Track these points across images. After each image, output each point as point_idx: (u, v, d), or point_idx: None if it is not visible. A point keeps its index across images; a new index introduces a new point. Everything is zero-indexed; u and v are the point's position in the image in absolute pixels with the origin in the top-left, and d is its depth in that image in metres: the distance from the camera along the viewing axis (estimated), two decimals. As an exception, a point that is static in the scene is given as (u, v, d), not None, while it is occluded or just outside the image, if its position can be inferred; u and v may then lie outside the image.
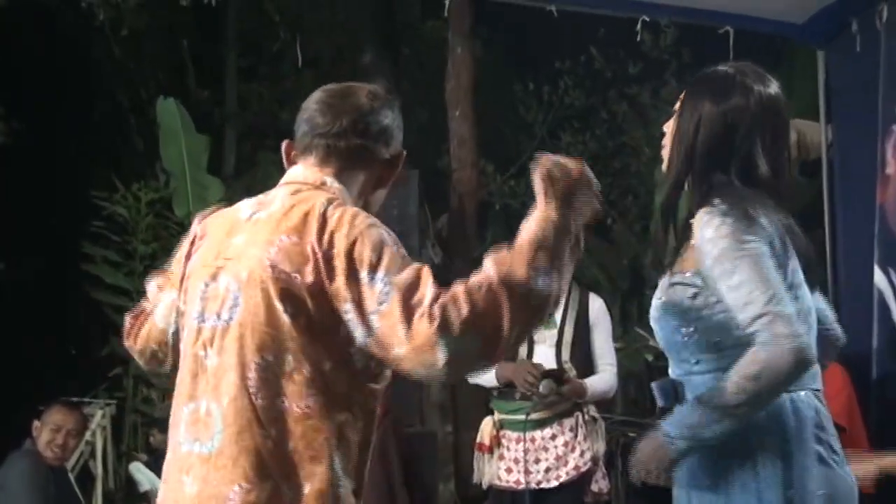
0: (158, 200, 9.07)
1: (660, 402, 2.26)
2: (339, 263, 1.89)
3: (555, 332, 4.25)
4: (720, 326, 2.12)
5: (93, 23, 9.25)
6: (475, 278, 1.85)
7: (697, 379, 2.16)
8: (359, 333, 1.88)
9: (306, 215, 1.95)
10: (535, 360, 4.21)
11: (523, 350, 4.24)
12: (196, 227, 2.19)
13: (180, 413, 2.00)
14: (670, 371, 2.26)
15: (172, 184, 9.05)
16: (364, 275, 1.88)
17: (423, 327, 1.80)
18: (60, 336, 9.15)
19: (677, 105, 2.30)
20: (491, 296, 1.82)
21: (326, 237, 1.91)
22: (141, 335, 2.27)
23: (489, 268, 1.86)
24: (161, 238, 9.09)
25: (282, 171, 2.17)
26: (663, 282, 2.21)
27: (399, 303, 1.83)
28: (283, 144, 2.20)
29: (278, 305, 1.92)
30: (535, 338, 4.26)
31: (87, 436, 6.95)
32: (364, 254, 1.89)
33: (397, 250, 1.92)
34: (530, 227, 1.90)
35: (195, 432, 1.96)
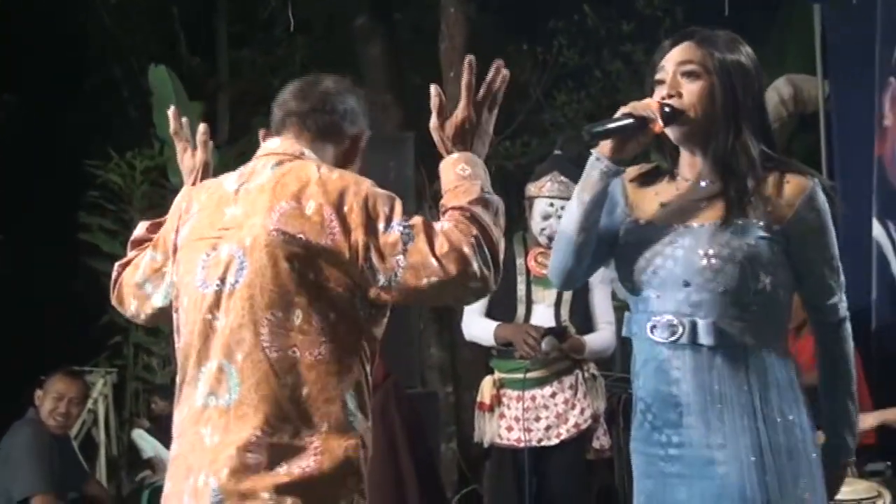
0: (153, 168, 9.03)
1: (672, 338, 2.26)
2: (356, 218, 2.11)
3: (553, 291, 4.26)
4: (784, 283, 2.27)
5: (82, -8, 9.20)
6: (451, 215, 2.18)
7: (742, 325, 2.23)
8: (382, 277, 2.11)
9: (301, 181, 2.16)
10: (534, 319, 4.23)
11: (522, 310, 4.25)
12: (181, 201, 2.38)
13: (196, 373, 2.18)
14: (692, 310, 2.24)
15: (167, 151, 9.01)
16: (381, 225, 2.11)
17: (451, 251, 2.09)
18: (59, 305, 9.15)
19: (692, 59, 2.28)
20: (476, 218, 2.16)
21: (335, 197, 2.12)
22: (126, 295, 2.49)
23: (452, 205, 2.20)
24: (157, 205, 9.04)
25: None
26: (741, 227, 2.22)
27: (424, 239, 2.10)
28: (261, 133, 2.47)
29: (285, 265, 2.11)
30: (534, 297, 4.27)
31: (90, 404, 6.97)
32: (378, 207, 2.13)
33: (399, 201, 2.17)
34: (448, 167, 2.29)
35: (210, 388, 2.14)
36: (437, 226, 2.16)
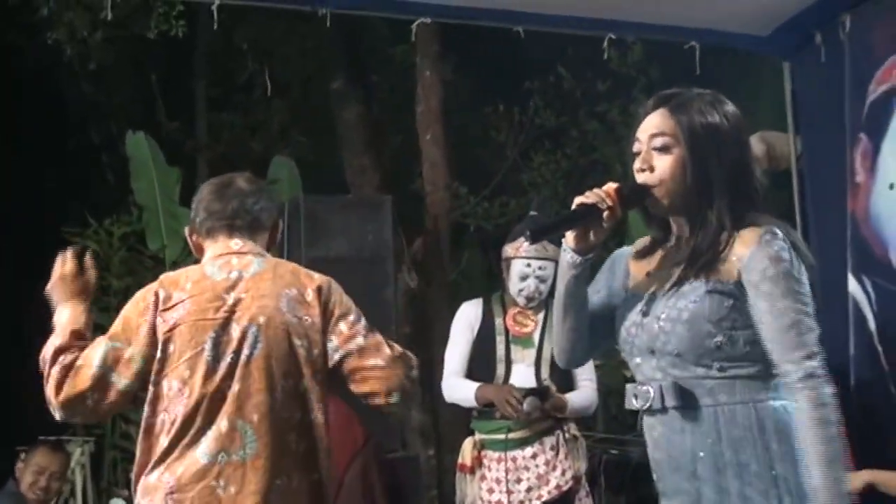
0: (131, 234, 9.02)
1: (646, 405, 2.26)
2: (334, 307, 2.61)
3: (533, 350, 4.25)
4: (753, 338, 2.20)
5: (60, 58, 9.22)
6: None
7: (712, 383, 2.20)
8: (339, 353, 2.58)
9: (293, 274, 2.65)
10: (514, 379, 4.21)
11: (501, 369, 4.24)
12: (151, 296, 2.66)
13: (199, 435, 2.47)
14: (661, 375, 2.24)
15: (145, 217, 9.00)
16: (351, 318, 2.63)
17: (399, 351, 2.64)
18: (36, 373, 9.07)
19: (664, 132, 2.27)
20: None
21: (324, 292, 2.63)
22: (82, 387, 2.63)
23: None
24: (135, 272, 9.02)
25: None
26: (689, 287, 2.21)
27: (380, 337, 2.64)
28: (186, 230, 2.84)
29: (296, 341, 2.55)
30: (514, 357, 4.26)
31: (67, 474, 6.87)
32: (347, 305, 2.66)
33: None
34: None
35: (218, 446, 2.46)
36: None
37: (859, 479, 3.79)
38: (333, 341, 2.58)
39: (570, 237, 2.28)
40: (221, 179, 2.80)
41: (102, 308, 8.80)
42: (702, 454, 2.20)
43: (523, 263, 4.28)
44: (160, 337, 2.56)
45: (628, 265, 2.43)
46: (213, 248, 2.72)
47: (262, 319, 2.55)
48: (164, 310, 2.59)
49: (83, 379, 2.60)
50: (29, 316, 8.74)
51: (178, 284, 2.64)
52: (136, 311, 2.65)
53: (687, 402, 2.21)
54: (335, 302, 2.62)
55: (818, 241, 4.83)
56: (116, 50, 9.82)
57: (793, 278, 2.18)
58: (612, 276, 2.43)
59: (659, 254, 2.38)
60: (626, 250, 2.46)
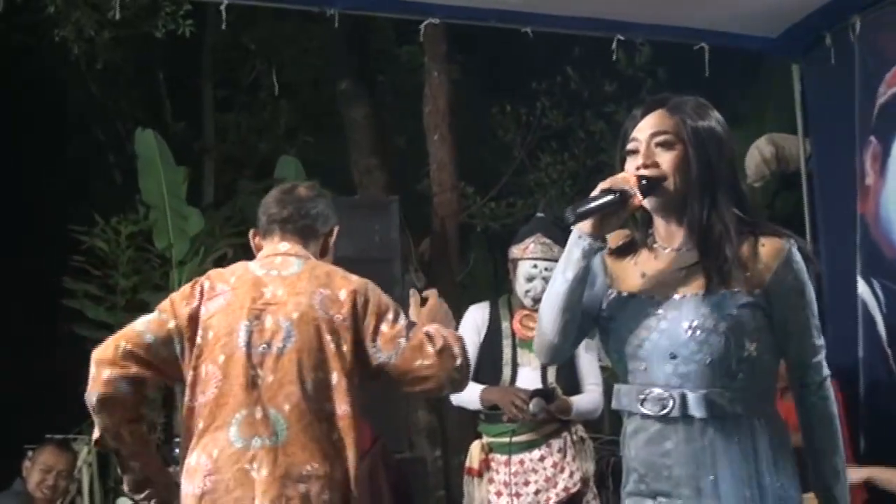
0: (138, 233, 9.01)
1: (663, 412, 2.25)
2: (372, 308, 2.73)
3: (540, 353, 4.24)
4: (771, 348, 2.27)
5: (68, 58, 9.22)
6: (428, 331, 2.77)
7: (732, 395, 2.23)
8: (384, 355, 2.71)
9: (329, 276, 2.79)
10: (520, 382, 4.20)
11: (508, 372, 4.23)
12: (198, 286, 2.82)
13: (230, 418, 2.64)
14: (680, 381, 2.24)
15: (152, 216, 9.00)
16: (390, 317, 2.74)
17: (441, 343, 2.71)
18: (44, 372, 9.07)
19: (666, 129, 2.28)
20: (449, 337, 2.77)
21: (359, 293, 2.75)
22: (117, 338, 2.82)
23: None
24: (142, 271, 9.03)
25: (260, 199, 3.04)
26: (722, 297, 2.22)
27: (421, 333, 2.73)
28: (250, 233, 3.05)
29: (327, 337, 2.69)
30: (520, 360, 4.25)
31: (74, 473, 6.88)
32: (386, 304, 2.76)
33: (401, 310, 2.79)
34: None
35: (252, 431, 2.62)
36: (431, 327, 2.76)
37: (858, 475, 3.79)
38: (378, 343, 2.71)
39: (587, 224, 2.26)
40: (285, 186, 3.04)
41: (109, 307, 8.82)
42: (723, 466, 2.20)
43: (530, 265, 4.27)
44: (201, 324, 2.75)
45: (605, 263, 2.40)
46: (266, 249, 2.94)
47: (295, 315, 2.70)
48: (208, 299, 2.78)
49: (120, 333, 2.82)
50: (37, 315, 8.76)
51: (223, 278, 2.84)
52: (181, 296, 2.82)
53: (711, 413, 2.22)
54: (371, 302, 2.73)
55: (827, 243, 4.82)
56: (123, 49, 9.82)
57: (810, 290, 2.30)
58: (591, 272, 2.38)
59: (647, 253, 2.36)
60: None
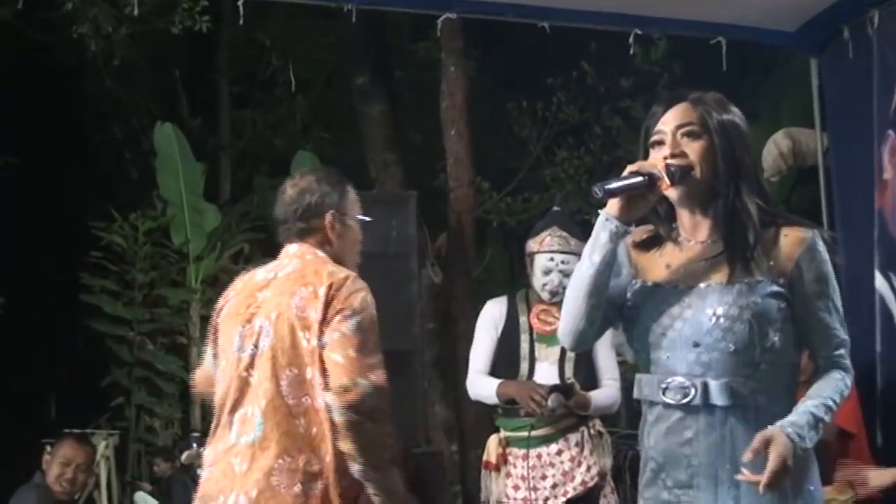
0: (156, 229, 9.06)
1: (685, 399, 2.25)
2: (336, 305, 2.68)
3: (557, 348, 4.24)
4: (795, 337, 2.29)
5: (85, 54, 9.27)
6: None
7: (754, 385, 2.24)
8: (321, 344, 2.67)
9: (316, 273, 2.75)
10: (538, 377, 4.20)
11: (525, 367, 4.23)
12: (227, 294, 2.93)
13: (231, 418, 2.74)
14: (702, 370, 2.24)
15: (169, 212, 9.04)
16: (347, 313, 2.67)
17: (368, 364, 2.63)
18: (62, 367, 9.13)
19: (692, 121, 2.31)
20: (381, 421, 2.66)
21: (334, 287, 2.70)
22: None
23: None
24: (159, 267, 9.08)
25: (276, 195, 2.98)
26: (747, 286, 2.24)
27: (363, 340, 2.65)
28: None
29: (300, 334, 2.69)
30: (538, 355, 4.24)
31: (93, 467, 6.93)
32: (352, 305, 2.68)
33: (372, 314, 2.71)
34: None
35: (242, 429, 2.70)
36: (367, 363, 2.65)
37: (888, 476, 3.77)
38: (325, 333, 2.68)
39: (614, 206, 2.28)
40: (282, 185, 3.00)
41: (126, 303, 8.87)
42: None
43: (546, 258, 4.27)
44: (218, 331, 2.91)
45: (629, 254, 2.42)
46: (282, 252, 2.96)
47: (273, 315, 2.74)
48: (222, 306, 2.92)
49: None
50: (55, 310, 8.80)
51: (235, 284, 2.95)
52: (215, 312, 2.97)
53: (733, 401, 2.22)
54: (340, 297, 2.69)
55: (845, 237, 4.80)
56: (140, 46, 9.87)
57: (833, 280, 2.30)
58: (616, 263, 2.40)
59: (671, 245, 2.38)
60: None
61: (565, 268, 4.22)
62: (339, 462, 2.64)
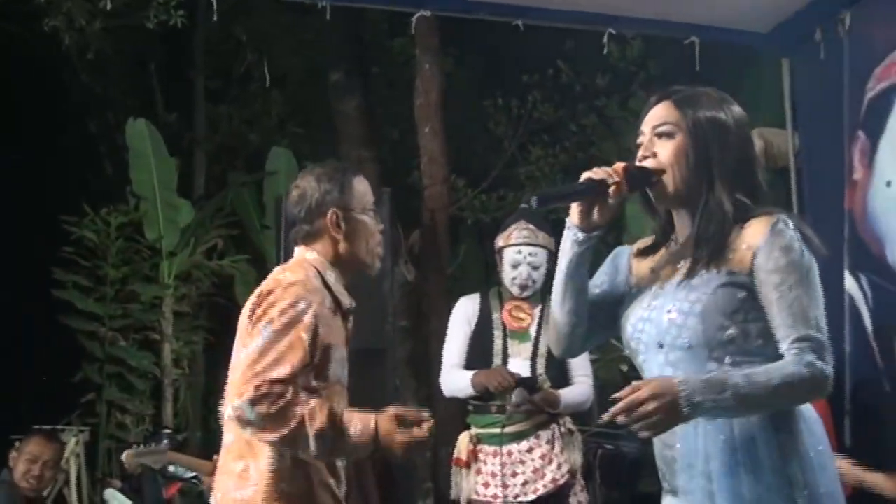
0: (128, 224, 9.00)
1: None
2: (259, 314, 2.63)
3: (529, 344, 4.25)
4: (764, 332, 2.17)
5: (58, 47, 9.19)
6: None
7: None
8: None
9: (270, 277, 2.74)
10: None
11: (498, 363, 4.24)
12: None
13: None
14: (671, 370, 2.20)
15: (142, 207, 8.99)
16: (262, 325, 2.59)
17: (267, 382, 2.51)
18: (32, 363, 9.07)
19: (667, 120, 2.27)
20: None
21: (264, 291, 2.67)
22: None
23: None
24: (132, 262, 9.02)
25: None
26: (700, 279, 2.19)
27: (253, 361, 2.55)
28: None
29: (239, 342, 2.68)
30: (510, 351, 4.26)
31: (62, 463, 6.88)
32: (270, 316, 2.60)
33: (294, 320, 2.59)
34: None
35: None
36: (276, 374, 2.54)
37: (851, 476, 3.80)
38: (247, 344, 2.65)
39: (575, 214, 2.27)
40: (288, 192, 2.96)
41: (98, 298, 8.81)
42: (715, 453, 2.15)
43: (514, 251, 4.28)
44: None
45: (630, 262, 2.42)
46: None
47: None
48: None
49: None
50: (26, 305, 8.72)
51: None
52: None
53: None
54: (263, 306, 2.63)
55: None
56: (115, 40, 9.80)
57: (803, 269, 2.15)
58: (615, 270, 2.42)
59: (662, 252, 2.36)
60: (628, 248, 2.45)
61: (533, 260, 4.24)
62: (273, 463, 2.63)
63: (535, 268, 4.26)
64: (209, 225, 9.22)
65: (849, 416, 4.52)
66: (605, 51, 4.81)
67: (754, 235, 2.18)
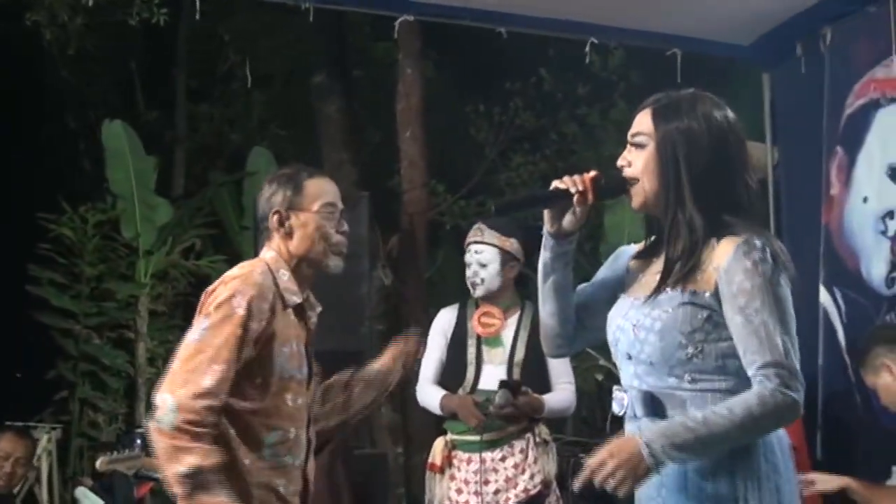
0: (106, 222, 8.95)
1: (621, 411, 2.26)
2: (200, 311, 2.65)
3: (502, 350, 4.23)
4: (727, 352, 2.15)
5: (39, 43, 9.14)
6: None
7: (685, 395, 2.17)
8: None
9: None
10: (484, 380, 4.19)
11: (471, 371, 4.22)
12: None
13: None
14: (638, 382, 2.23)
15: (120, 205, 8.94)
16: (201, 318, 2.63)
17: (191, 392, 2.53)
18: (6, 359, 9.00)
19: (641, 131, 2.26)
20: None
21: (206, 293, 2.69)
22: None
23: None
24: (108, 260, 8.97)
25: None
26: (665, 296, 2.19)
27: (189, 356, 2.58)
28: None
29: None
30: (484, 358, 4.24)
31: (33, 461, 6.83)
32: (201, 319, 2.63)
33: (229, 314, 2.59)
34: None
35: None
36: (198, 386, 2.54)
37: (836, 482, 3.81)
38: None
39: (546, 221, 2.33)
40: None
41: (74, 296, 8.76)
42: (666, 472, 2.12)
43: (467, 252, 4.28)
44: None
45: (628, 264, 2.42)
46: None
47: None
48: None
49: None
50: (1, 301, 8.65)
51: None
52: None
53: (656, 413, 2.18)
54: (204, 305, 2.67)
55: (791, 251, 4.83)
56: (96, 36, 9.75)
57: (769, 291, 2.11)
58: (611, 270, 2.43)
59: (654, 260, 2.35)
60: (631, 249, 2.44)
61: (479, 258, 4.22)
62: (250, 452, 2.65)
63: (483, 265, 4.22)
64: (187, 224, 9.18)
65: (820, 430, 4.54)
66: (588, 60, 4.82)
67: (721, 256, 2.16)
